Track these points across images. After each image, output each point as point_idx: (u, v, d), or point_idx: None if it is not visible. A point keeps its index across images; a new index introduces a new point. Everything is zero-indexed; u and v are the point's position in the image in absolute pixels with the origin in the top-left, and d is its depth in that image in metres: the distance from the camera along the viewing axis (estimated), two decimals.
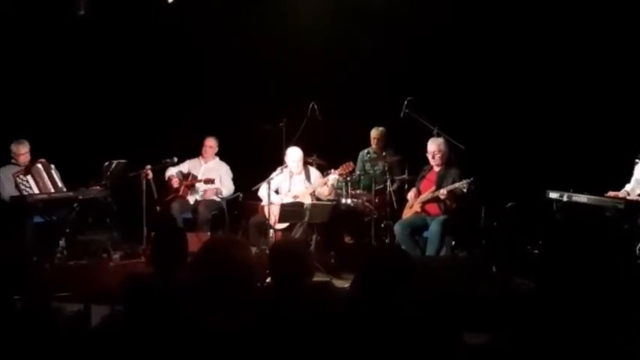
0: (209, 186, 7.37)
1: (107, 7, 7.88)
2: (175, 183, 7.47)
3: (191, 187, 7.47)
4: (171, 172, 7.58)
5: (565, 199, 6.07)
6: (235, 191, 7.59)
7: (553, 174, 6.54)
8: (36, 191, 6.92)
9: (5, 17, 7.68)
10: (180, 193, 7.45)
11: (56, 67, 8.19)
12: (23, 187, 6.88)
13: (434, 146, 6.58)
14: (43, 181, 7.00)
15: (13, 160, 7.05)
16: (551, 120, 7.15)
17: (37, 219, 6.88)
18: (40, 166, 7.04)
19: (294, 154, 6.98)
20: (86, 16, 7.79)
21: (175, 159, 7.53)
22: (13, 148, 7.03)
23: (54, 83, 8.24)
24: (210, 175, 7.46)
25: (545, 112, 7.20)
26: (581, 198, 5.99)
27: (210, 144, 7.60)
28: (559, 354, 2.22)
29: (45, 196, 6.88)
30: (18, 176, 6.90)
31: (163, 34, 8.21)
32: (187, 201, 7.45)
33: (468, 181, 6.20)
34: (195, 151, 7.72)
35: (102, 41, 8.21)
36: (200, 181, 7.42)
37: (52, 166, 7.17)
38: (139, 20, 8.04)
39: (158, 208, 7.38)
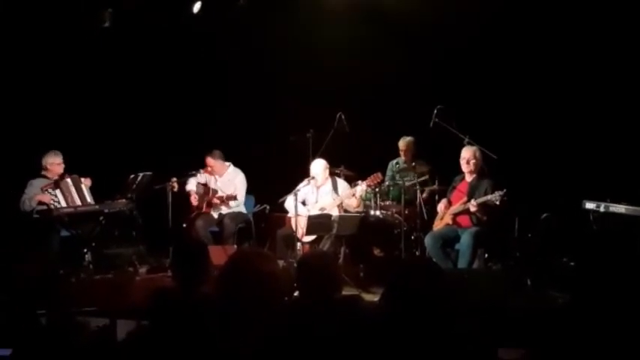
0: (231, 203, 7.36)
1: (132, 20, 7.90)
2: (194, 201, 7.44)
3: (213, 205, 7.40)
4: (191, 185, 7.54)
5: (602, 209, 5.94)
6: (262, 203, 7.52)
7: (589, 183, 6.40)
8: (64, 205, 6.91)
9: (31, 32, 7.75)
10: (203, 209, 7.40)
11: (80, 79, 8.25)
12: (50, 198, 6.86)
13: (469, 153, 6.43)
14: (71, 197, 6.98)
15: (43, 173, 7.05)
16: (588, 127, 6.98)
17: (63, 232, 6.88)
18: (69, 180, 7.04)
19: (316, 167, 6.92)
20: (111, 29, 7.81)
21: (201, 170, 7.50)
22: (48, 159, 7.03)
23: (78, 96, 8.29)
24: (227, 187, 7.42)
25: (581, 119, 7.04)
26: (619, 208, 5.87)
27: (210, 163, 7.44)
28: None
29: (70, 209, 6.88)
30: (47, 190, 6.89)
31: (188, 45, 8.23)
32: (212, 215, 7.40)
33: (500, 193, 6.01)
34: None
35: (126, 53, 8.24)
36: (221, 197, 7.36)
37: (82, 179, 7.14)
38: (164, 32, 8.04)
39: (184, 224, 7.34)
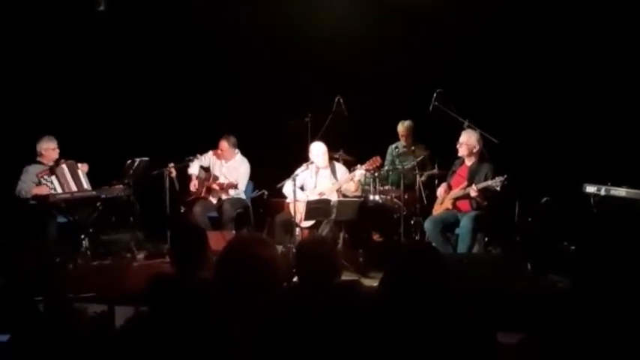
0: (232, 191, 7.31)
1: (127, 4, 7.83)
2: (193, 187, 7.40)
3: (212, 191, 7.36)
4: (194, 168, 7.49)
5: (602, 193, 5.92)
6: (260, 189, 7.48)
7: (590, 167, 6.37)
8: (60, 191, 6.86)
9: (27, 15, 7.67)
10: (202, 194, 7.36)
11: (77, 64, 8.18)
12: (47, 188, 6.82)
13: (467, 138, 6.39)
14: (67, 183, 6.94)
15: (38, 159, 7.00)
16: (588, 110, 6.94)
17: (60, 219, 6.85)
18: (64, 167, 6.99)
19: (317, 149, 6.86)
20: (106, 12, 7.74)
21: (199, 155, 7.46)
22: (42, 144, 6.98)
23: (75, 81, 8.23)
24: (230, 174, 7.38)
25: (582, 103, 6.99)
26: (620, 192, 5.85)
27: (223, 147, 7.39)
28: (597, 353, 2.13)
29: (67, 195, 6.84)
30: (42, 176, 6.86)
31: (186, 29, 8.15)
32: (210, 201, 7.36)
33: (501, 178, 5.97)
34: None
35: (123, 38, 8.17)
36: (221, 184, 7.31)
37: (79, 165, 7.10)
38: (161, 15, 7.97)
39: (182, 208, 7.30)
